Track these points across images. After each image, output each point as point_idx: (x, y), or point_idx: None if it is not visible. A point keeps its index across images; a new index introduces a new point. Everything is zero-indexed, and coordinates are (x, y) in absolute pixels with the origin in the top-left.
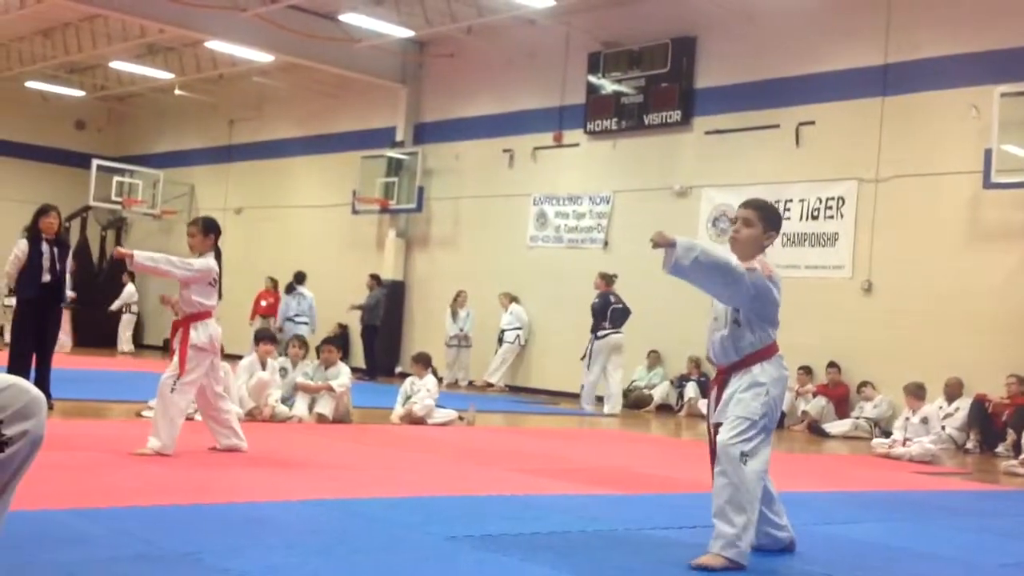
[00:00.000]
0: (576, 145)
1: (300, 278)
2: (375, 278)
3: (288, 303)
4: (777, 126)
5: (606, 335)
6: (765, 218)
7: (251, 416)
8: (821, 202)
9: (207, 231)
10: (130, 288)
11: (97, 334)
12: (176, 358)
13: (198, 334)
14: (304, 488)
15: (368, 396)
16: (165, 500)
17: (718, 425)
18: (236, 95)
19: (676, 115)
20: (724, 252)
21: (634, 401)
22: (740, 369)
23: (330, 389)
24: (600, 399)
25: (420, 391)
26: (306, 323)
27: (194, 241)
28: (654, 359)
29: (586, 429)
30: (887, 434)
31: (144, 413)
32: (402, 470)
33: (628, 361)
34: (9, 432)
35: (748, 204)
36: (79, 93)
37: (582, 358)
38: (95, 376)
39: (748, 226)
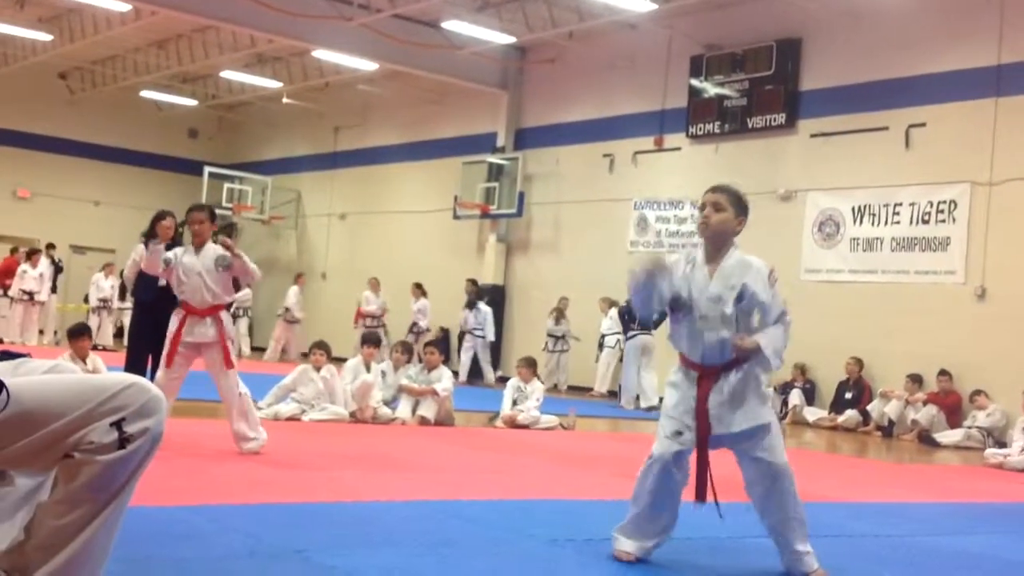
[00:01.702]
0: (678, 149)
1: (481, 295)
2: (472, 283)
3: (467, 317)
4: (886, 128)
5: (634, 336)
6: (736, 203)
7: (354, 417)
8: (932, 206)
9: (212, 218)
10: (247, 291)
11: None
12: (222, 360)
13: (228, 324)
14: (408, 489)
15: (468, 399)
16: (273, 498)
17: (705, 432)
18: (341, 103)
19: (780, 118)
20: (778, 330)
21: None
22: (731, 368)
23: (434, 393)
24: (638, 397)
25: (529, 398)
26: (482, 336)
27: (203, 228)
28: None
29: None
30: (1001, 444)
31: None
32: (504, 473)
33: None
34: (130, 430)
35: (717, 188)
36: (191, 102)
37: (619, 360)
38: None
39: (719, 210)
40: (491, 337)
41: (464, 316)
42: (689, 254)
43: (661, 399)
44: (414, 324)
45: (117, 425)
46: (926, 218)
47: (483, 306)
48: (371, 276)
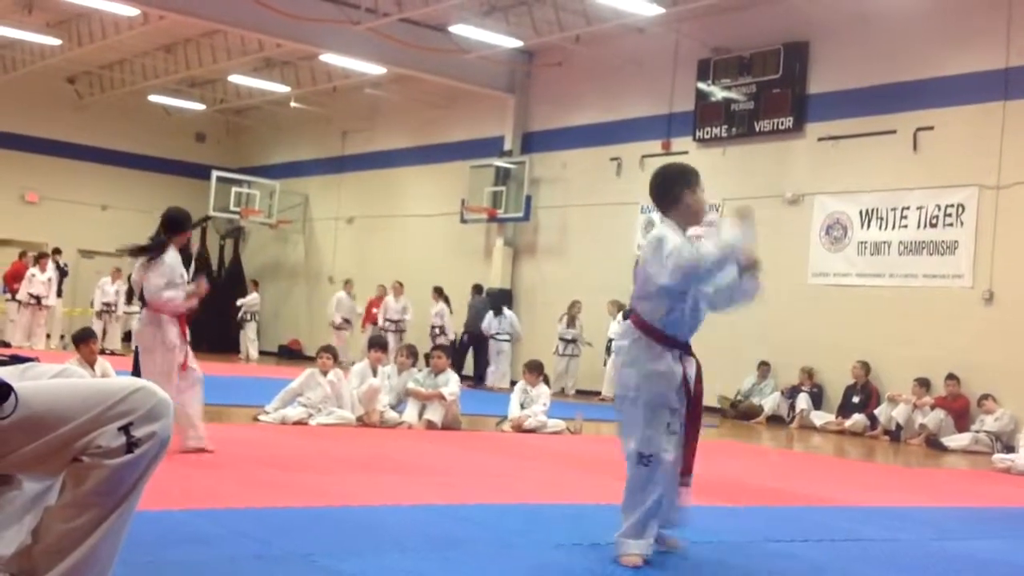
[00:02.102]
0: (685, 153)
1: (504, 300)
2: (477, 288)
3: (491, 322)
4: (894, 132)
5: None
6: None
7: (361, 421)
8: (940, 209)
9: None
10: (255, 295)
11: (217, 340)
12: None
13: None
14: (414, 493)
15: (475, 403)
16: (280, 502)
17: (699, 410)
18: (349, 107)
19: (788, 121)
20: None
21: (743, 412)
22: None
23: (441, 397)
24: None
25: (536, 402)
26: (508, 340)
27: None
28: (764, 369)
29: None
30: (1009, 448)
31: (261, 417)
32: (510, 477)
33: (738, 371)
34: (138, 434)
35: None
36: (199, 106)
37: None
38: (215, 381)
39: None
40: (515, 338)
41: (488, 321)
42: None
43: None
44: (433, 327)
45: (125, 429)
46: (934, 222)
47: (508, 311)
48: (395, 280)
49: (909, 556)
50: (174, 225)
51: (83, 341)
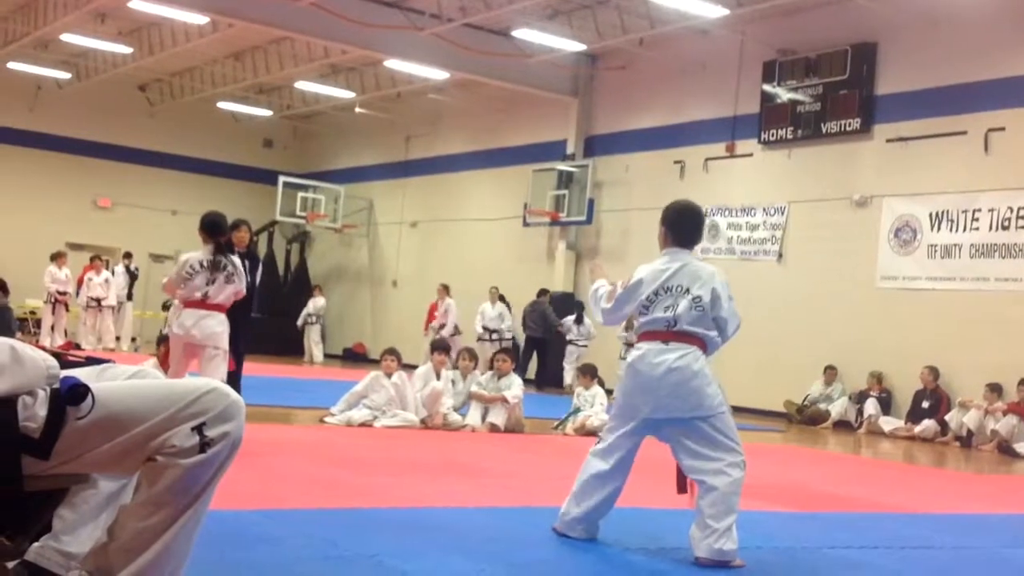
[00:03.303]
0: (750, 155)
1: (572, 305)
2: (543, 292)
3: (570, 327)
4: (964, 133)
5: None
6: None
7: (425, 424)
8: (1013, 211)
9: None
10: (320, 300)
11: (283, 343)
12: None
13: None
14: (479, 496)
15: (537, 407)
16: (346, 504)
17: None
18: (412, 112)
19: (855, 123)
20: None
21: (810, 417)
22: None
23: (504, 400)
24: None
25: (593, 404)
26: (586, 346)
27: None
28: (831, 374)
29: (761, 444)
30: None
31: (326, 419)
32: (573, 480)
33: (805, 376)
34: (211, 434)
35: None
36: (267, 113)
37: None
38: (281, 383)
39: None
40: (587, 336)
41: (568, 326)
42: None
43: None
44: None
45: (198, 429)
46: (1006, 224)
47: (587, 318)
48: (491, 286)
49: (980, 564)
50: (215, 229)
51: (161, 343)
